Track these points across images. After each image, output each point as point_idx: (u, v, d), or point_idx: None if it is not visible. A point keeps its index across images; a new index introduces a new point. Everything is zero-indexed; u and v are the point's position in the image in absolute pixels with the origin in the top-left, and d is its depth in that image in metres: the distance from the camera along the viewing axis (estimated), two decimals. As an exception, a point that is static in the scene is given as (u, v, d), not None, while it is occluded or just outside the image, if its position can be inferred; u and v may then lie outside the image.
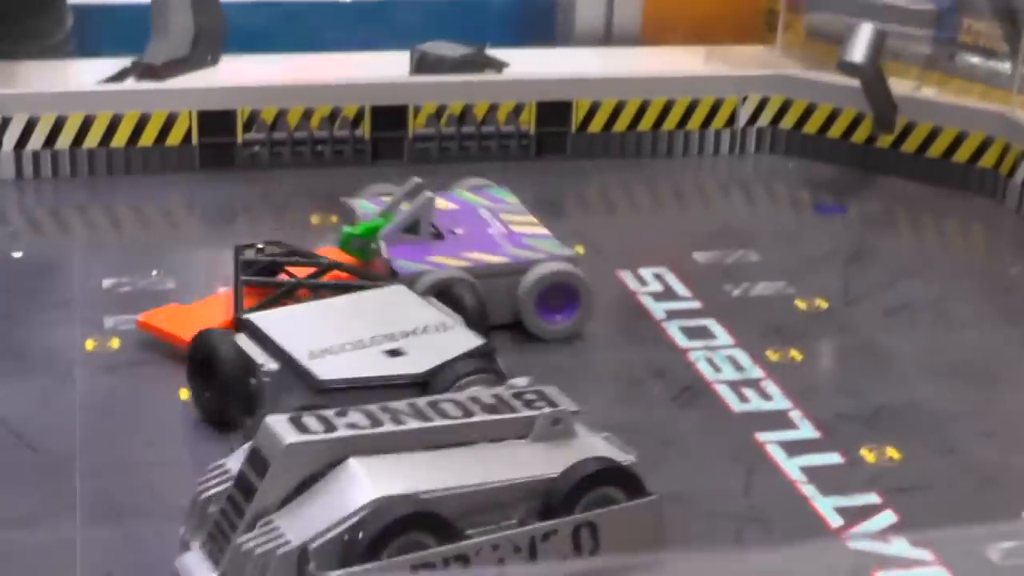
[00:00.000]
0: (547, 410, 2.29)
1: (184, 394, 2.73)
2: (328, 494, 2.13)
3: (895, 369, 3.06)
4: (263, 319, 2.67)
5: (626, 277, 3.41)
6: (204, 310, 2.90)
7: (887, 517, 2.53)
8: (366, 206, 3.19)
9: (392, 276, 2.94)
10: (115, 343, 2.93)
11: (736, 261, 3.54)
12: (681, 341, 3.12)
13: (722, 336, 3.15)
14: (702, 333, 3.16)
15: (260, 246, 2.94)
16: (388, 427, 2.21)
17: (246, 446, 2.22)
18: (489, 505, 2.16)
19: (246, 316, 2.68)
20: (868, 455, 2.71)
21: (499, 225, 3.21)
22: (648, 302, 3.29)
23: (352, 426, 2.19)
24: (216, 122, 3.82)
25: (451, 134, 3.99)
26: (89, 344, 2.93)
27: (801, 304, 3.32)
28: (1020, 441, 2.80)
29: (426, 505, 2.10)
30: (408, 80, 4.05)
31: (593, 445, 2.30)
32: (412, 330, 2.69)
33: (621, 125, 4.10)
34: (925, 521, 2.51)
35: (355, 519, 2.08)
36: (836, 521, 2.51)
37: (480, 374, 2.56)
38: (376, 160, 3.96)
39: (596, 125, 4.09)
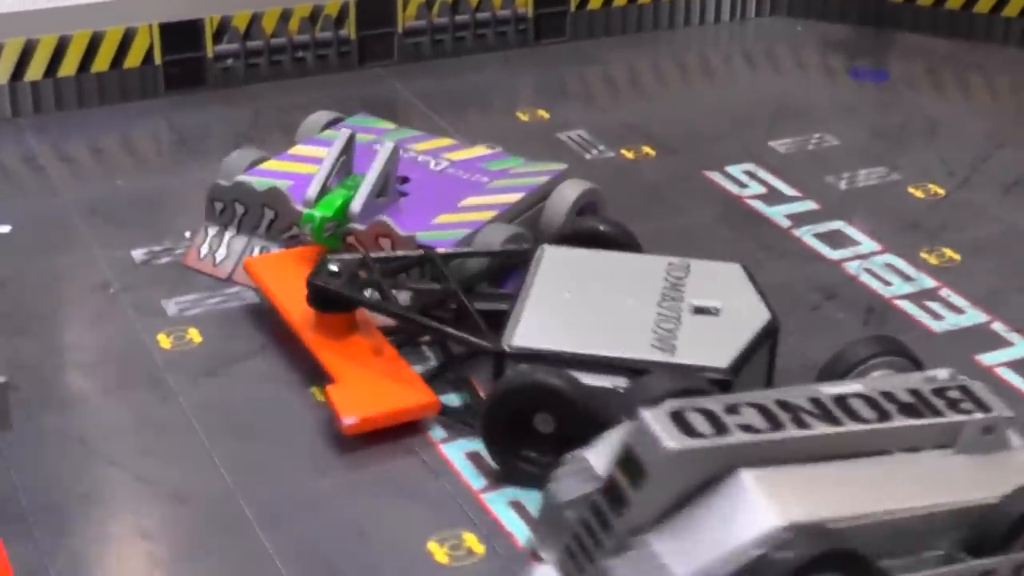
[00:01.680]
0: (978, 415, 1.82)
1: (317, 394, 2.17)
2: (717, 515, 1.67)
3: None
4: (536, 338, 2.08)
5: (718, 178, 2.95)
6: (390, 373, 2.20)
7: None
8: (265, 182, 2.49)
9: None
10: (195, 335, 2.33)
11: (817, 147, 3.12)
12: (826, 251, 2.69)
13: (864, 241, 2.73)
14: (841, 239, 2.74)
15: (334, 268, 2.22)
16: (791, 431, 1.73)
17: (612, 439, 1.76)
18: (909, 534, 1.71)
19: (517, 344, 2.07)
20: (1109, 368, 2.35)
21: (432, 160, 2.66)
22: (761, 207, 2.85)
23: (747, 428, 1.71)
24: (181, 35, 3.16)
25: (444, 25, 3.42)
26: (164, 341, 2.32)
27: (917, 192, 2.93)
28: None
29: (841, 539, 1.64)
30: (390, -35, 3.44)
31: None
32: (665, 280, 2.23)
33: (621, -2, 3.60)
34: None
35: (757, 552, 1.62)
36: None
37: (888, 356, 2.06)
38: (364, 62, 3.37)
39: (596, 1, 3.57)
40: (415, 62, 3.40)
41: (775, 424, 1.74)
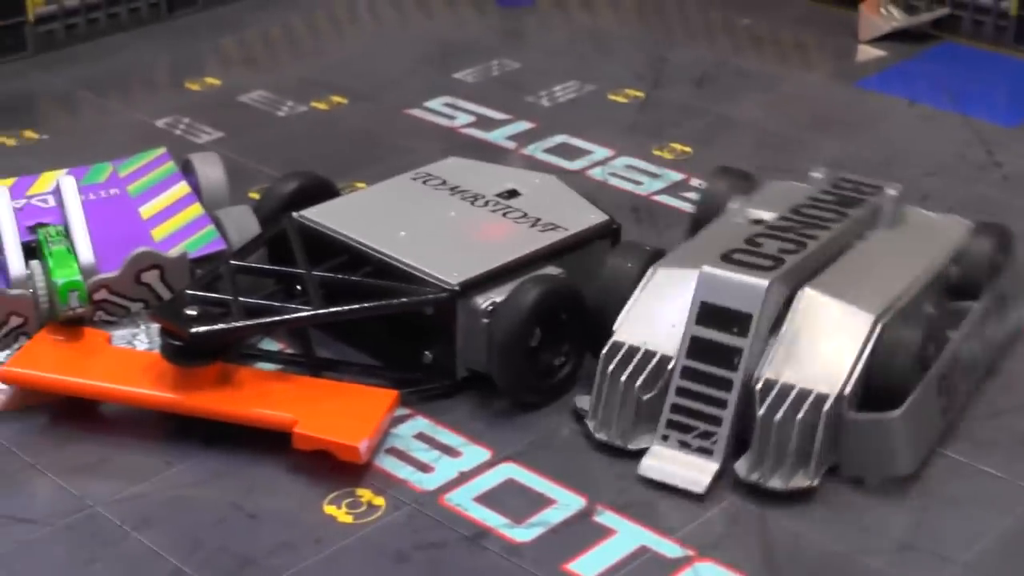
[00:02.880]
0: (890, 192, 2.06)
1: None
2: (814, 330, 1.77)
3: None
4: (462, 270, 1.96)
5: (422, 114, 2.83)
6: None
7: None
8: None
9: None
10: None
11: (502, 73, 3.05)
12: (565, 163, 2.63)
13: (596, 148, 2.70)
14: (572, 151, 2.69)
15: (192, 312, 1.85)
16: (812, 244, 1.89)
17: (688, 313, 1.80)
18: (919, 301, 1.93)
19: (461, 280, 1.96)
20: None
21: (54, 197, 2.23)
22: (480, 134, 2.77)
23: (788, 252, 1.85)
24: None
25: (75, 8, 3.12)
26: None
27: (618, 98, 2.92)
28: None
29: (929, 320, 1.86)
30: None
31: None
32: (445, 191, 2.19)
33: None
34: None
35: (869, 347, 1.77)
36: None
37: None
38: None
39: (224, -35, 3.36)
40: (50, 51, 3.08)
41: (797, 244, 1.88)
